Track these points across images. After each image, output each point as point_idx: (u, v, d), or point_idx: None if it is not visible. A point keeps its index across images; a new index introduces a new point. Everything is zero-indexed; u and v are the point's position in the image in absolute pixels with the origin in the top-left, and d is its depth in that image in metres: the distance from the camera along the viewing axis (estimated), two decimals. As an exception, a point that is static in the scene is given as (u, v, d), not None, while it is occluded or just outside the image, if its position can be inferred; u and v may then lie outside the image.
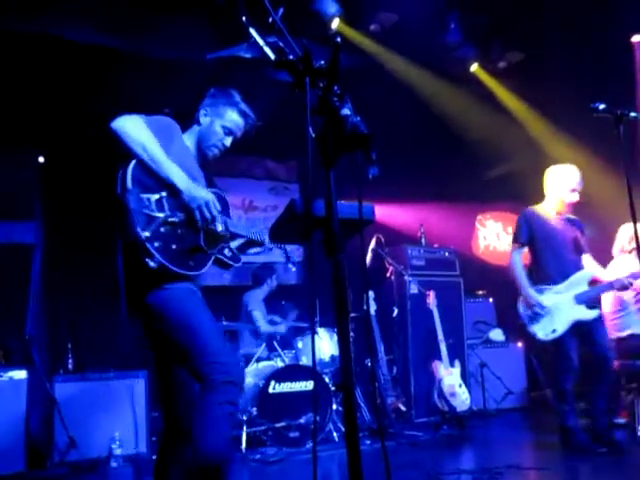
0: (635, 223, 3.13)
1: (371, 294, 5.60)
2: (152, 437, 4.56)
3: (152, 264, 2.18)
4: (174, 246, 2.28)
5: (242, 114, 2.69)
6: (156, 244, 2.21)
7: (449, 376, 5.56)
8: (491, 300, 7.29)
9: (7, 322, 5.07)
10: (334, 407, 5.09)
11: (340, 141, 1.32)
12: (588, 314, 4.28)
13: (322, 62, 1.44)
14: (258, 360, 5.34)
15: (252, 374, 5.17)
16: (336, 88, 1.42)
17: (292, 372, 4.99)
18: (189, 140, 2.69)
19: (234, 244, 2.72)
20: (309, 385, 4.98)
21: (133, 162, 2.28)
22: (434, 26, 6.06)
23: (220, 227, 2.48)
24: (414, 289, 6.12)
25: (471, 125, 7.26)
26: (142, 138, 2.30)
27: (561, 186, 4.40)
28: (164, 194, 2.31)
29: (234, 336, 5.80)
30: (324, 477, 4.11)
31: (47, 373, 4.64)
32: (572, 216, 4.55)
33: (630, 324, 4.83)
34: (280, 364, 5.15)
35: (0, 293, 5.13)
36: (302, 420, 4.83)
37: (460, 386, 5.57)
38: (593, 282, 4.39)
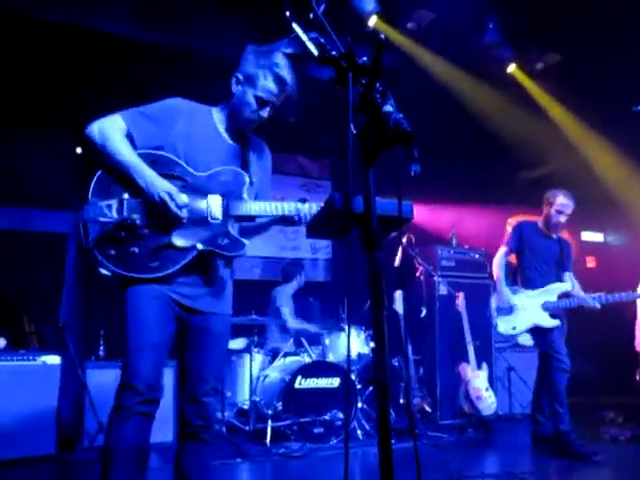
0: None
1: (400, 294, 5.58)
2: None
3: (104, 272, 2.20)
4: (135, 249, 2.23)
5: (277, 80, 2.41)
6: (110, 251, 2.19)
7: (476, 379, 5.52)
8: (520, 304, 7.20)
9: (43, 309, 5.19)
10: (359, 405, 5.10)
11: (381, 138, 1.32)
12: (548, 322, 4.63)
13: (365, 59, 1.44)
14: (285, 355, 5.37)
15: (279, 369, 5.20)
16: (378, 85, 1.43)
17: (319, 368, 5.00)
18: (218, 115, 2.53)
19: (246, 224, 2.54)
20: (335, 382, 4.99)
21: (99, 172, 2.27)
22: (472, 26, 6.00)
23: (184, 214, 2.27)
24: (443, 290, 6.09)
25: (507, 127, 7.18)
26: (107, 141, 2.26)
27: (550, 207, 4.80)
28: (126, 196, 2.24)
29: (262, 330, 5.84)
30: (348, 474, 4.11)
31: (79, 359, 4.73)
32: (562, 236, 5.02)
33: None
34: (307, 360, 5.17)
35: (36, 280, 5.25)
36: (327, 416, 4.84)
37: (487, 389, 5.52)
38: (563, 296, 4.72)
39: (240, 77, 2.44)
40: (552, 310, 4.65)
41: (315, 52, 1.53)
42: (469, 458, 4.61)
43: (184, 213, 2.28)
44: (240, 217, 2.42)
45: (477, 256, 6.60)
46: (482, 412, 5.39)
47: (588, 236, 9.26)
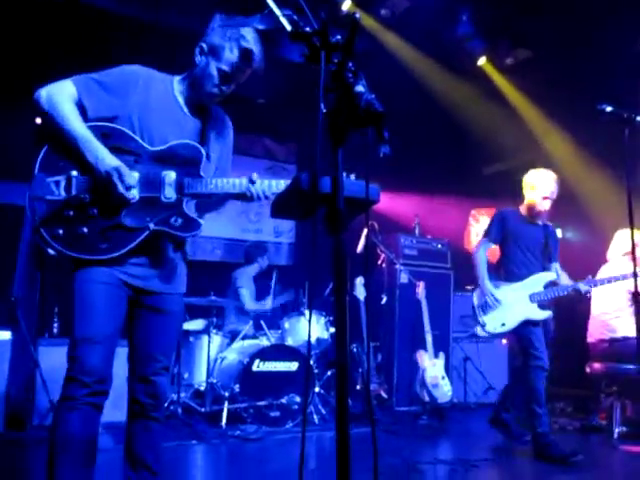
0: (632, 227, 3.14)
1: (361, 280, 5.60)
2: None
3: (51, 252, 2.12)
4: (84, 229, 2.13)
5: (244, 54, 2.27)
6: (57, 231, 2.10)
7: (432, 367, 5.59)
8: (478, 295, 7.31)
9: (-6, 283, 5.05)
10: (316, 389, 5.11)
11: (352, 118, 1.30)
12: (539, 314, 4.34)
13: (338, 37, 1.41)
14: (244, 338, 5.35)
15: (237, 351, 5.18)
16: (350, 64, 1.40)
17: (277, 352, 4.98)
18: (179, 85, 2.41)
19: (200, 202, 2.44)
20: (293, 366, 4.98)
21: (45, 146, 2.16)
22: (445, 16, 6.02)
23: (132, 194, 2.16)
24: (404, 278, 6.13)
25: (475, 119, 7.24)
26: (55, 109, 2.14)
27: (534, 192, 4.45)
28: (74, 173, 2.14)
29: (221, 312, 5.80)
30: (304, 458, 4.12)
31: (32, 335, 4.62)
32: (547, 222, 4.62)
33: (624, 327, 4.85)
34: (266, 343, 5.15)
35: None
36: (284, 400, 4.84)
37: (443, 378, 5.60)
38: (550, 285, 4.47)
39: (204, 47, 2.31)
40: (541, 301, 4.37)
41: (288, 27, 1.49)
42: (423, 445, 4.67)
43: (132, 194, 2.16)
44: (195, 195, 2.29)
45: (439, 246, 6.66)
46: (437, 400, 5.46)
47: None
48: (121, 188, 2.12)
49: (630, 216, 3.32)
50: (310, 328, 1.68)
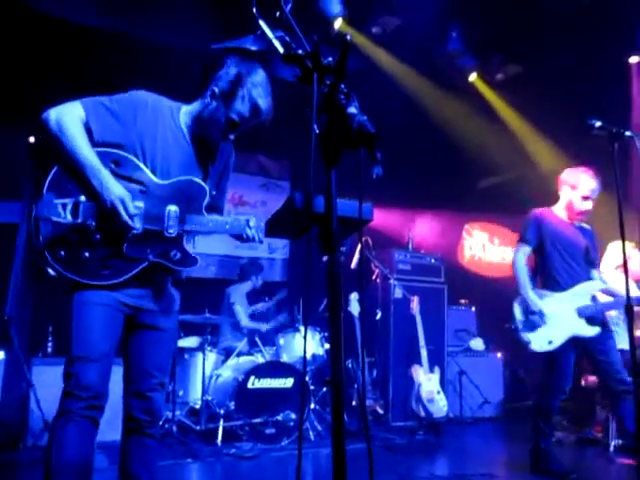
0: (624, 240, 3.17)
1: (355, 296, 5.60)
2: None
3: (51, 272, 2.14)
4: (86, 254, 2.16)
5: (253, 110, 2.32)
6: (60, 252, 2.12)
7: (428, 382, 5.59)
8: (473, 309, 7.34)
9: (-12, 302, 5.02)
10: (312, 406, 5.10)
11: (344, 139, 1.32)
12: (588, 331, 3.98)
13: (330, 59, 1.44)
14: (239, 355, 5.33)
15: (232, 368, 5.16)
16: (343, 86, 1.42)
17: (272, 368, 4.97)
18: (185, 117, 2.43)
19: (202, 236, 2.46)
20: (288, 382, 4.97)
21: (56, 166, 2.18)
22: (435, 33, 6.09)
23: (138, 225, 2.20)
24: (398, 293, 6.14)
25: (466, 134, 7.30)
26: (63, 131, 2.16)
27: (574, 192, 4.11)
28: (82, 198, 2.16)
29: (216, 329, 5.79)
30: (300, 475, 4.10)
31: (25, 355, 4.59)
32: (585, 225, 4.27)
33: (617, 339, 4.85)
34: (261, 360, 5.14)
35: (-18, 272, 5.08)
36: (279, 417, 4.82)
37: (438, 392, 5.59)
38: (595, 297, 4.13)
39: (217, 91, 2.34)
40: (589, 315, 3.99)
41: (281, 50, 1.52)
42: (419, 460, 4.66)
43: (135, 223, 2.20)
44: (195, 232, 2.36)
45: (433, 261, 6.68)
46: (433, 415, 5.46)
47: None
48: (125, 216, 2.15)
49: (621, 229, 3.35)
50: (306, 344, 1.69)
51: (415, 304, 5.83)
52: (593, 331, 3.96)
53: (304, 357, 1.50)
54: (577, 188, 4.08)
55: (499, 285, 8.39)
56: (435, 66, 6.50)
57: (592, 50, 6.13)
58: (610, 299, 4.13)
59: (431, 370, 5.69)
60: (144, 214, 2.24)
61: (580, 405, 5.74)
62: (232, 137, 2.43)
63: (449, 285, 6.73)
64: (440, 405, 5.53)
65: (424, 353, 5.69)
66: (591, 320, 3.98)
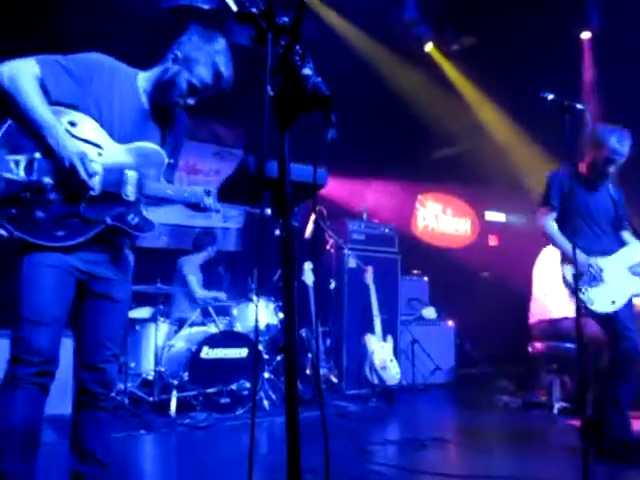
0: (574, 212, 3.24)
1: (309, 265, 5.60)
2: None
3: (2, 232, 2.06)
4: (40, 214, 2.08)
5: (215, 75, 2.30)
6: (11, 211, 2.04)
7: (381, 350, 5.67)
8: (426, 279, 7.44)
9: None
10: (266, 375, 5.11)
11: (299, 101, 1.28)
12: None
13: (285, 19, 1.39)
14: (192, 325, 5.28)
15: (185, 339, 5.11)
16: (297, 47, 1.38)
17: (226, 338, 4.94)
18: (144, 83, 2.37)
19: (154, 208, 2.41)
20: (242, 352, 4.96)
21: (9, 121, 2.09)
22: (392, 1, 6.03)
23: (97, 186, 2.15)
24: (352, 263, 6.17)
25: (421, 104, 7.31)
26: (17, 88, 2.06)
27: (596, 151, 3.73)
28: (37, 155, 2.07)
29: (168, 300, 5.71)
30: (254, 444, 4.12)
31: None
32: (612, 187, 3.93)
33: (563, 307, 5.00)
34: (214, 330, 5.10)
35: None
36: (233, 387, 4.81)
37: (391, 360, 5.69)
38: None
39: (179, 56, 2.29)
40: None
41: (234, 8, 1.46)
42: (373, 426, 4.74)
43: (94, 182, 2.14)
44: (153, 198, 2.32)
45: (387, 231, 6.72)
46: (386, 382, 5.55)
47: (491, 216, 9.65)
48: (84, 175, 2.09)
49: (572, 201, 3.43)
50: (257, 313, 1.67)
51: (369, 274, 5.88)
52: None
53: (256, 327, 1.47)
54: (604, 148, 3.68)
55: (452, 255, 8.56)
56: (391, 33, 6.45)
57: (545, 25, 6.20)
58: None
59: (384, 338, 5.77)
60: (102, 176, 2.18)
61: (526, 371, 5.94)
62: (191, 102, 2.37)
63: (402, 255, 6.80)
64: (393, 373, 5.62)
65: (377, 322, 5.76)
66: None
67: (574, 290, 3.41)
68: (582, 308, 3.64)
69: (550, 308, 5.07)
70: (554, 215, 3.80)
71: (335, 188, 7.39)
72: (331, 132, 1.26)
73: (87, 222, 2.16)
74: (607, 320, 3.63)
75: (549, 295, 5.13)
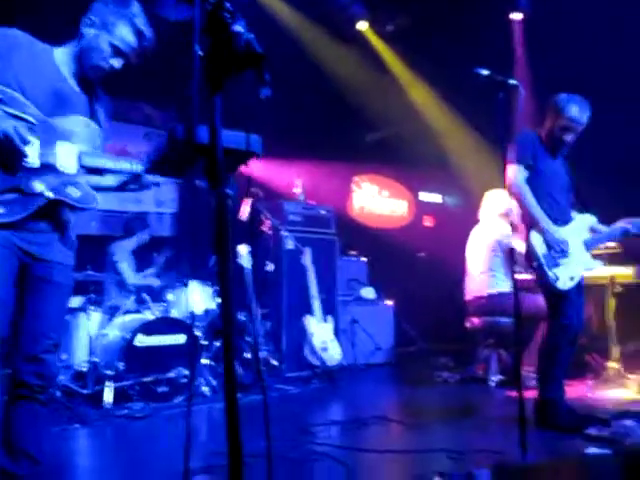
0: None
1: (246, 248, 5.49)
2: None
3: None
4: None
5: (136, 32, 2.23)
6: None
7: (321, 331, 5.65)
8: (364, 259, 7.46)
9: None
10: (205, 361, 5.00)
11: (231, 60, 1.19)
12: (595, 264, 3.75)
13: (213, -26, 1.29)
14: (126, 313, 5.10)
15: (119, 327, 4.92)
16: (228, 5, 1.29)
17: (162, 325, 4.80)
18: (62, 57, 2.27)
19: (95, 180, 2.34)
20: (180, 338, 4.83)
21: None
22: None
23: (33, 157, 2.08)
24: (290, 245, 6.10)
25: (356, 85, 7.28)
26: None
27: (555, 119, 3.70)
28: None
29: (100, 288, 5.48)
30: (193, 431, 4.02)
31: None
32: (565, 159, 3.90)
33: (498, 283, 5.10)
34: (149, 316, 4.94)
35: None
36: (171, 374, 4.68)
37: (331, 341, 5.67)
38: (594, 229, 3.85)
39: (96, 21, 2.22)
40: (593, 248, 3.74)
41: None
42: (315, 408, 4.72)
43: (31, 152, 2.06)
44: (92, 169, 2.26)
45: (323, 212, 6.68)
46: (327, 363, 5.53)
47: (426, 197, 9.77)
48: (18, 141, 2.00)
49: (505, 176, 3.46)
50: (188, 297, 1.58)
51: (307, 255, 5.83)
52: (597, 264, 3.79)
53: (192, 312, 1.39)
54: (561, 116, 3.65)
55: (389, 236, 8.62)
56: (325, 12, 6.36)
57: (478, 6, 6.28)
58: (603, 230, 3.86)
59: (324, 319, 5.75)
60: (38, 148, 2.10)
61: (464, 347, 6.05)
62: (117, 65, 2.27)
63: (340, 236, 6.78)
64: (333, 353, 5.61)
65: (316, 303, 5.72)
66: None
67: (540, 267, 3.54)
68: (533, 281, 3.73)
69: (486, 284, 5.16)
70: (526, 174, 3.65)
71: (270, 170, 7.28)
72: (265, 91, 1.18)
73: (28, 196, 2.08)
74: (557, 296, 3.60)
75: (485, 272, 5.22)
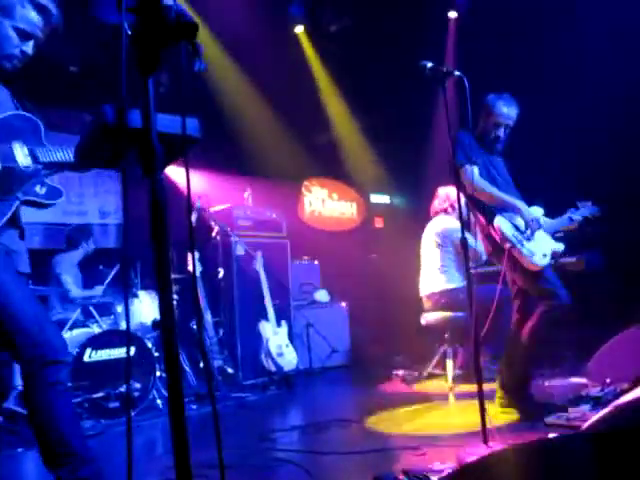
0: (456, 184, 3.27)
1: (196, 254, 5.36)
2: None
3: None
4: None
5: (39, 9, 2.12)
6: None
7: (276, 336, 5.56)
8: (316, 262, 7.41)
9: None
10: (157, 374, 4.84)
11: (162, 34, 1.11)
12: (559, 246, 3.83)
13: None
14: (72, 327, 4.89)
15: (65, 343, 4.72)
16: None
17: (111, 338, 4.62)
18: None
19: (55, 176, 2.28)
20: (130, 351, 4.65)
21: None
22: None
23: None
24: (240, 250, 5.99)
25: (302, 87, 7.25)
26: None
27: (491, 115, 3.85)
28: None
29: (44, 302, 5.25)
30: (148, 446, 3.88)
31: None
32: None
33: (451, 279, 5.10)
34: (97, 330, 4.75)
35: None
36: (122, 389, 4.51)
37: (287, 346, 5.59)
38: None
39: None
40: (553, 232, 3.86)
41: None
42: (274, 414, 4.62)
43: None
44: (51, 164, 2.19)
45: (273, 215, 6.60)
46: (284, 368, 5.45)
47: (376, 198, 9.80)
48: None
49: (453, 172, 3.47)
50: (127, 305, 1.48)
51: (258, 260, 5.74)
52: (561, 247, 3.86)
53: (127, 324, 1.29)
54: (491, 114, 3.84)
55: (339, 238, 8.59)
56: (259, 13, 6.28)
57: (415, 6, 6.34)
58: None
59: (278, 324, 5.66)
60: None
61: (420, 344, 6.05)
62: (29, 50, 2.15)
63: (292, 241, 6.71)
64: (290, 358, 5.53)
65: (270, 308, 5.63)
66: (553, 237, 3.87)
67: (513, 246, 3.60)
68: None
69: (439, 280, 5.16)
70: (478, 170, 3.72)
71: (216, 181, 7.12)
72: (199, 63, 1.10)
73: (2, 200, 2.04)
74: (536, 277, 3.65)
75: (437, 268, 5.22)
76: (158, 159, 1.13)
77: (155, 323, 0.95)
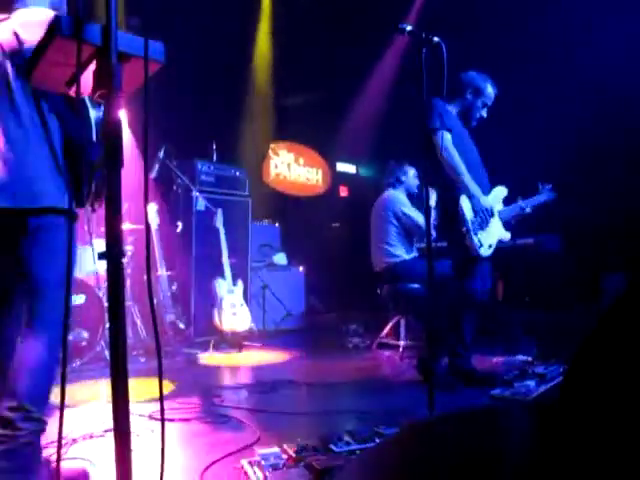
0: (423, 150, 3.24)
1: (154, 207, 5.23)
2: None
3: None
4: None
5: None
6: None
7: (230, 295, 5.50)
8: (277, 225, 7.34)
9: None
10: (107, 325, 4.74)
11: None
12: (507, 235, 3.86)
13: None
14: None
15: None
16: None
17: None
18: None
19: None
20: (79, 299, 4.53)
21: None
22: None
23: None
24: (201, 205, 5.88)
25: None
26: None
27: (476, 96, 3.89)
28: None
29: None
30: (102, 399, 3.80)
31: None
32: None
33: (398, 252, 5.09)
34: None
35: None
36: (70, 337, 4.40)
37: (241, 305, 5.54)
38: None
39: None
40: (507, 219, 3.88)
41: None
42: (223, 372, 4.59)
43: None
44: None
45: (237, 174, 6.48)
46: (237, 328, 5.40)
47: (342, 167, 9.72)
48: None
49: (423, 136, 3.42)
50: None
51: (219, 217, 5.63)
52: (508, 236, 3.88)
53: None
54: (482, 94, 3.88)
55: (302, 203, 8.53)
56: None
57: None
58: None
59: (234, 284, 5.60)
60: None
61: (375, 314, 6.08)
62: None
63: (254, 201, 6.61)
64: (243, 318, 5.49)
65: (227, 267, 5.56)
66: (505, 225, 3.87)
67: (468, 232, 3.60)
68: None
69: (389, 254, 5.14)
70: (451, 138, 3.67)
71: (181, 123, 6.93)
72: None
73: None
74: (472, 261, 3.68)
75: (386, 243, 5.19)
76: (115, 78, 1.05)
77: (101, 254, 0.89)
